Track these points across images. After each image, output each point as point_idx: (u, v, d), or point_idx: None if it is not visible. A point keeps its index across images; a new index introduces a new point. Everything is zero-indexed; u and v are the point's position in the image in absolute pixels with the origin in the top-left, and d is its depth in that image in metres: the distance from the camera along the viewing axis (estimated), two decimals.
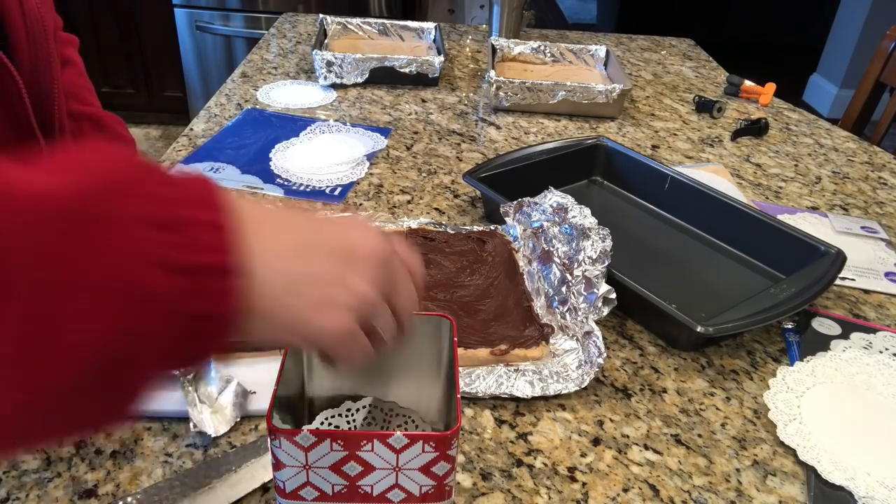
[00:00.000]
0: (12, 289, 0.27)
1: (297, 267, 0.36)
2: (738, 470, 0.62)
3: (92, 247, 0.28)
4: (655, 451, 0.63)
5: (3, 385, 0.27)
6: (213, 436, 0.60)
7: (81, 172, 0.30)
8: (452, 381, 0.53)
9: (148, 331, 0.29)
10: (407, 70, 1.37)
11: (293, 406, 0.54)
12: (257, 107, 1.27)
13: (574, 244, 0.76)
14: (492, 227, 0.90)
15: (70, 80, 0.80)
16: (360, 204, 0.98)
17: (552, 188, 0.85)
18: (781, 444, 0.64)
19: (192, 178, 0.33)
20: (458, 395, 0.47)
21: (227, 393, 0.63)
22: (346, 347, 0.40)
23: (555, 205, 0.82)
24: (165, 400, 0.62)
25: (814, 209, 1.07)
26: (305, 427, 0.53)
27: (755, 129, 1.30)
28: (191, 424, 0.60)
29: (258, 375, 0.66)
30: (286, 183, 1.03)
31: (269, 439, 0.43)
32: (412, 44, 1.57)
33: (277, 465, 0.44)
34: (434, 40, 1.56)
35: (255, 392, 0.64)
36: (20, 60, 0.63)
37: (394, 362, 0.57)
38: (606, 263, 0.74)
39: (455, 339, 0.52)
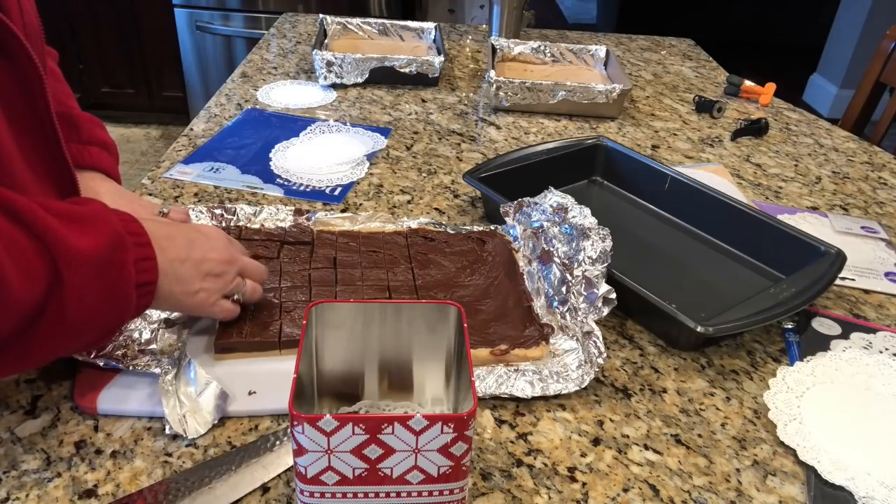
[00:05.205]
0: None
1: (178, 275, 0.62)
2: (738, 470, 0.62)
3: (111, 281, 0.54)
4: (655, 451, 0.63)
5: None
6: (190, 437, 0.60)
7: (104, 235, 0.54)
8: (459, 367, 0.54)
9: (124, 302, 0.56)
10: (407, 70, 1.37)
11: (300, 402, 0.54)
12: (257, 107, 1.27)
13: (574, 244, 0.76)
14: (492, 227, 0.90)
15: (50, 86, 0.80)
16: (360, 204, 0.98)
17: (552, 188, 0.85)
18: (781, 444, 0.64)
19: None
20: (473, 378, 0.48)
21: (207, 394, 0.62)
22: (210, 313, 0.67)
23: (555, 205, 0.82)
24: (151, 401, 0.62)
25: (814, 209, 1.07)
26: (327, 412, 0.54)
27: (755, 129, 1.30)
28: (166, 427, 0.60)
29: (258, 375, 0.66)
30: (286, 183, 1.03)
31: (291, 426, 0.45)
32: (412, 44, 1.57)
33: (299, 451, 0.45)
34: (434, 40, 1.56)
35: (254, 392, 0.64)
36: None
37: (400, 349, 0.57)
38: (606, 263, 0.74)
39: (465, 325, 0.53)
